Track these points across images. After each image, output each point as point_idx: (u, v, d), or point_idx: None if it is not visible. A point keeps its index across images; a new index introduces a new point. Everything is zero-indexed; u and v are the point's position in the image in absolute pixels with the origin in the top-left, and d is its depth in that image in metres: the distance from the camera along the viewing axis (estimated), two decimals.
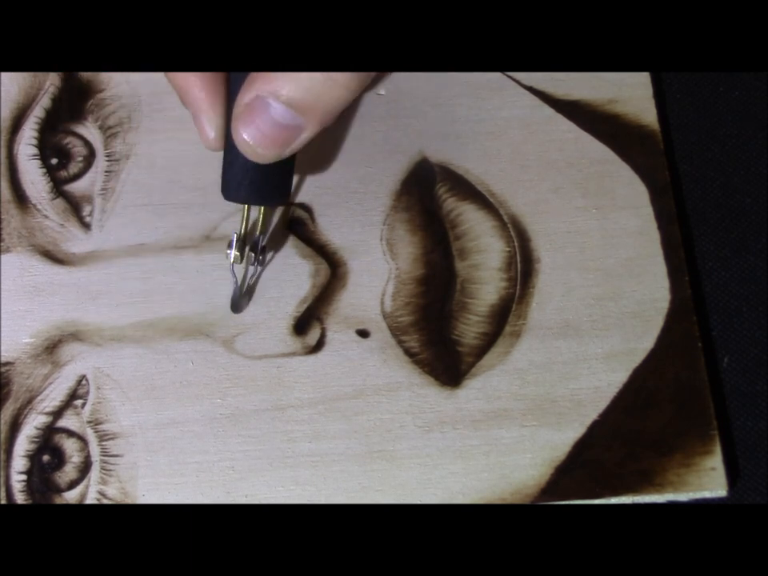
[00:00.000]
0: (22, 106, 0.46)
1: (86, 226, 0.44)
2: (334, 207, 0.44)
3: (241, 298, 0.42)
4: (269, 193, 0.41)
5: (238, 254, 0.41)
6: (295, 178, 0.44)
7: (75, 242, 0.44)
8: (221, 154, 0.45)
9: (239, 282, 0.42)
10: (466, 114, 0.46)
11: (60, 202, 0.44)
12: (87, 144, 0.45)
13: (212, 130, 0.41)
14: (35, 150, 0.45)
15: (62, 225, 0.44)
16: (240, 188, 0.40)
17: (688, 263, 0.43)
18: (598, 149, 0.45)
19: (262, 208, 0.42)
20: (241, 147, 0.39)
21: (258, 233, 0.42)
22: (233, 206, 0.44)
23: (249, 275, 0.43)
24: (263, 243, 0.43)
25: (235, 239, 0.41)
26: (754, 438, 0.41)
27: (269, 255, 0.43)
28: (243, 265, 0.42)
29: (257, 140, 0.38)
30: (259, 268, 0.43)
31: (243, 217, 0.42)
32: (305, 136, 0.39)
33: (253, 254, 0.42)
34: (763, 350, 0.43)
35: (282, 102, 0.38)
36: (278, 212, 0.44)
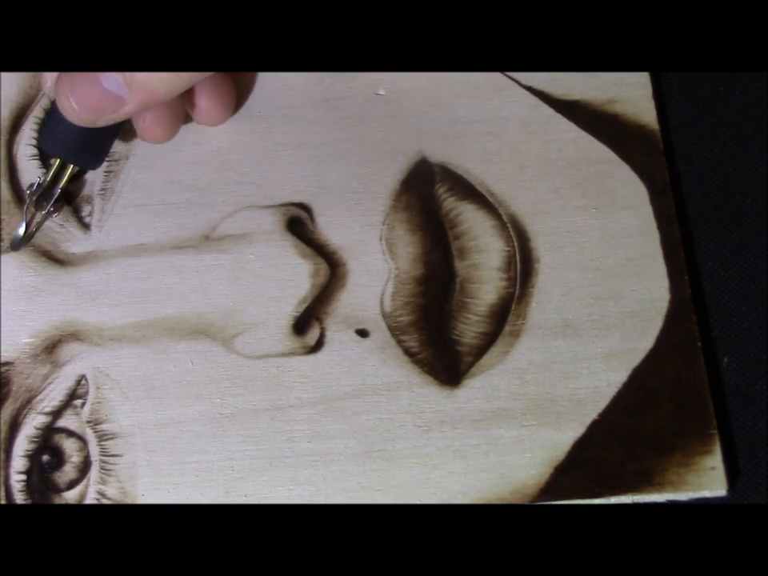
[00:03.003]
0: (21, 106, 0.46)
1: (86, 226, 0.44)
2: (333, 207, 0.44)
3: (20, 238, 0.43)
4: (83, 155, 0.42)
5: (34, 198, 0.43)
6: (295, 178, 0.44)
7: (75, 242, 0.44)
8: (220, 155, 0.45)
9: (26, 224, 0.43)
10: (466, 113, 0.46)
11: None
12: None
13: (49, 78, 0.42)
14: (35, 151, 0.45)
15: (61, 225, 0.44)
16: (58, 141, 0.42)
17: (688, 263, 0.43)
18: (597, 149, 0.45)
19: (71, 166, 0.43)
20: (59, 102, 0.40)
21: (58, 187, 0.43)
22: (233, 206, 0.44)
23: (35, 221, 0.44)
24: (57, 198, 0.43)
25: (36, 184, 0.43)
26: (753, 438, 0.41)
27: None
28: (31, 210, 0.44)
29: (78, 99, 0.39)
30: (45, 217, 0.44)
31: (52, 167, 0.43)
32: (124, 110, 0.40)
33: (45, 203, 0.43)
34: (763, 350, 0.43)
35: (118, 73, 0.38)
36: (278, 212, 0.44)
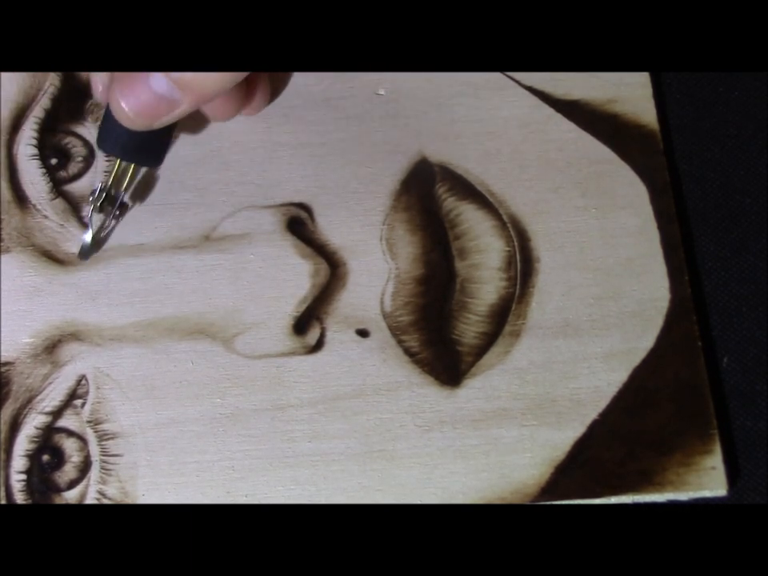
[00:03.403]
0: (21, 106, 0.46)
1: (86, 226, 0.44)
2: (333, 207, 0.44)
3: (89, 247, 0.43)
4: (143, 154, 0.42)
5: (98, 204, 0.43)
6: (295, 178, 0.44)
7: (75, 242, 0.44)
8: (220, 155, 0.45)
9: (93, 231, 0.43)
10: (466, 113, 0.46)
11: (60, 202, 0.44)
12: (87, 144, 0.45)
13: (100, 83, 0.42)
14: (35, 150, 0.45)
15: (61, 225, 0.44)
16: (117, 143, 0.41)
17: (688, 263, 0.43)
18: (597, 148, 0.45)
19: (132, 166, 0.43)
20: (114, 110, 0.39)
21: (122, 189, 0.43)
22: (233, 206, 0.44)
23: (104, 227, 0.44)
24: (123, 199, 0.44)
25: (99, 189, 0.43)
26: (753, 438, 0.41)
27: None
28: (100, 216, 0.44)
29: (131, 106, 0.39)
30: (113, 222, 0.44)
31: (113, 170, 0.43)
32: (178, 111, 0.39)
33: (110, 208, 0.43)
34: (763, 350, 0.43)
35: (164, 74, 0.38)
36: (278, 212, 0.44)
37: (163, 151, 0.43)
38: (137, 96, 0.39)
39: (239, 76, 0.39)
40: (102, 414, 0.41)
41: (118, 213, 0.43)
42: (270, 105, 0.46)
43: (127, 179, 0.43)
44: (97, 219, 0.43)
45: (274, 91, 0.46)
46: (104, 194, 0.43)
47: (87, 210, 0.43)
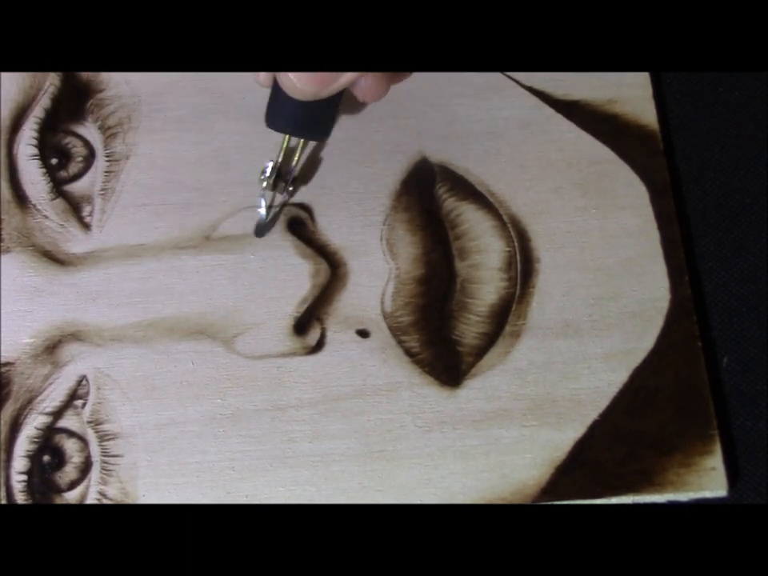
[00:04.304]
0: (21, 106, 0.46)
1: (86, 226, 0.44)
2: (333, 207, 0.44)
3: (265, 224, 0.44)
4: (310, 127, 0.42)
5: (271, 181, 0.43)
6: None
7: (75, 242, 0.44)
8: (220, 155, 0.45)
9: (267, 208, 0.44)
10: (466, 113, 0.46)
11: (60, 202, 0.44)
12: (87, 144, 0.45)
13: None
14: (35, 150, 0.45)
15: (61, 225, 0.44)
16: (284, 119, 0.41)
17: (688, 263, 0.43)
18: (597, 149, 0.45)
19: (301, 141, 0.43)
20: (283, 83, 0.39)
21: (293, 164, 0.44)
22: (233, 206, 0.44)
23: (276, 202, 0.44)
24: (295, 174, 0.44)
25: (270, 167, 0.43)
26: (753, 438, 0.41)
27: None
28: (271, 193, 0.44)
29: (299, 76, 0.39)
30: (287, 197, 0.44)
31: (282, 147, 0.43)
32: (345, 79, 0.39)
33: (283, 184, 0.44)
34: (763, 350, 0.43)
35: None
36: (278, 211, 0.44)
37: (331, 123, 0.42)
38: None
39: None
40: (103, 414, 0.41)
41: (291, 189, 0.44)
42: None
43: (297, 154, 0.44)
44: (269, 196, 0.44)
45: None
46: (276, 171, 0.43)
47: (259, 189, 0.44)
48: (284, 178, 0.44)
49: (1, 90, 0.46)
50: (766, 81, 0.47)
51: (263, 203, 0.43)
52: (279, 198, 0.44)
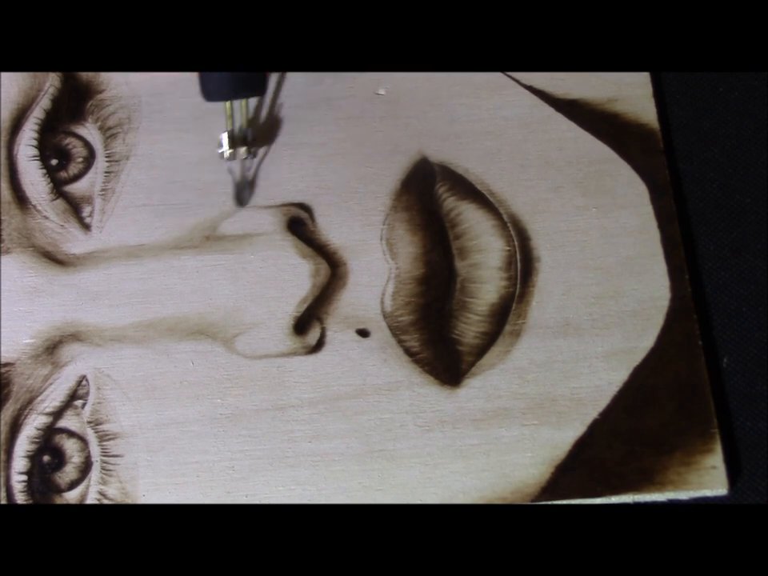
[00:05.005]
0: (21, 107, 0.46)
1: (86, 226, 0.44)
2: (334, 207, 0.44)
3: (243, 191, 0.44)
4: (247, 86, 0.42)
5: (231, 150, 0.44)
6: (295, 178, 0.44)
7: (75, 242, 0.44)
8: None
9: (238, 176, 0.44)
10: (466, 113, 0.46)
11: (60, 202, 0.44)
12: (87, 145, 0.45)
13: None
14: (35, 151, 0.45)
15: (62, 226, 0.44)
16: (220, 86, 0.42)
17: (688, 262, 0.43)
18: (597, 148, 0.45)
19: (243, 103, 0.44)
20: None
21: (245, 127, 0.44)
22: (233, 206, 0.44)
23: (245, 169, 0.44)
24: (252, 136, 0.44)
25: (225, 137, 0.44)
26: (754, 438, 0.41)
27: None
28: (237, 162, 0.44)
29: None
30: (254, 160, 0.44)
31: (227, 115, 0.43)
32: None
33: (244, 148, 0.44)
34: (763, 350, 0.43)
35: None
36: (279, 212, 0.44)
37: (264, 75, 0.43)
38: None
39: None
40: (103, 414, 0.41)
41: (254, 150, 0.44)
42: (270, 105, 0.46)
43: (244, 116, 0.44)
44: (237, 165, 0.44)
45: None
46: (231, 140, 0.44)
47: (225, 163, 0.44)
48: (243, 143, 0.44)
49: (1, 90, 0.46)
50: (766, 81, 0.47)
51: (232, 173, 0.44)
52: (247, 163, 0.44)
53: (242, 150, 0.44)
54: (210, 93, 0.42)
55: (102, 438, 0.41)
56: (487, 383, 0.41)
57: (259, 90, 0.43)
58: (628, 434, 0.40)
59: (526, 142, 0.45)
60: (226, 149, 0.44)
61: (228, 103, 0.43)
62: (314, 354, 0.42)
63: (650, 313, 0.42)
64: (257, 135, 0.45)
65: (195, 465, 0.40)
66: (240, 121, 0.44)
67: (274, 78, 0.46)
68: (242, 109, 0.44)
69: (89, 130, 0.45)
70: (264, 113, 0.46)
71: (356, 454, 0.40)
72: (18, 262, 0.43)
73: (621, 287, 0.43)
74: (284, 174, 0.45)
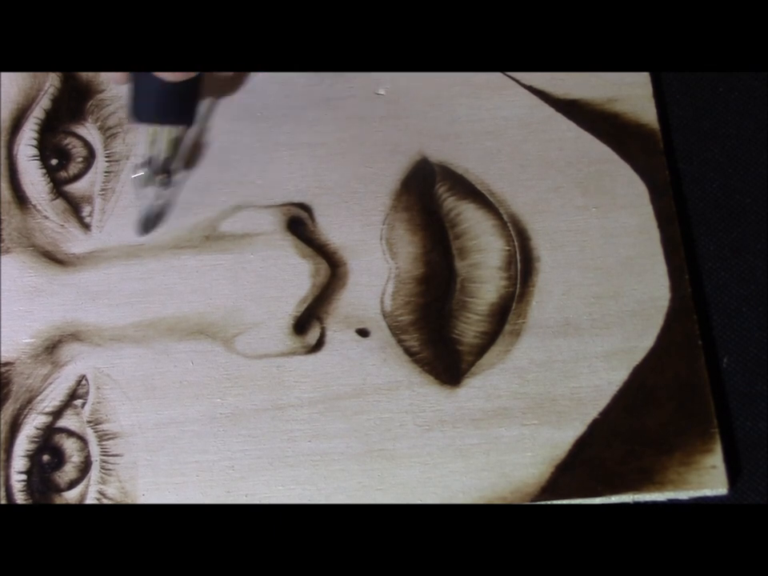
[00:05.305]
0: (21, 107, 0.46)
1: (86, 226, 0.44)
2: (334, 207, 0.44)
3: (148, 220, 0.43)
4: (175, 114, 0.42)
5: (146, 175, 0.43)
6: (295, 178, 0.44)
7: (75, 242, 0.44)
8: (220, 155, 0.45)
9: (147, 204, 0.43)
10: (466, 113, 0.46)
11: (60, 202, 0.44)
12: (87, 145, 0.45)
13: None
14: (35, 151, 0.45)
15: (61, 225, 0.44)
16: (148, 110, 0.41)
17: (688, 262, 0.43)
18: (597, 148, 0.45)
19: (168, 131, 0.43)
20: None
21: (166, 155, 0.43)
22: (233, 206, 0.44)
23: (156, 197, 0.44)
24: (171, 166, 0.44)
25: (143, 162, 0.43)
26: (754, 438, 0.41)
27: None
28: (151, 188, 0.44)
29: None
30: (167, 191, 0.44)
31: (150, 140, 0.43)
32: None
33: (160, 177, 0.43)
34: (763, 350, 0.43)
35: None
36: (278, 212, 0.44)
37: (194, 109, 0.42)
38: None
39: None
40: (102, 414, 0.41)
41: (168, 180, 0.44)
42: (271, 105, 0.46)
43: (166, 145, 0.43)
44: (150, 191, 0.44)
45: None
46: (149, 166, 0.43)
47: (138, 186, 0.43)
48: (160, 171, 0.43)
49: (1, 90, 0.46)
50: (766, 81, 0.47)
51: (144, 199, 0.43)
52: (160, 191, 0.44)
53: (158, 178, 0.43)
54: (137, 113, 0.41)
55: (102, 437, 0.41)
56: (487, 383, 0.41)
57: (186, 120, 0.43)
58: (628, 433, 0.40)
59: (525, 142, 0.45)
60: (140, 174, 0.43)
61: (152, 128, 0.42)
62: (314, 353, 0.42)
63: (650, 313, 0.42)
64: (176, 167, 0.44)
65: (195, 464, 0.40)
66: (162, 149, 0.43)
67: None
68: (166, 137, 0.43)
69: (89, 130, 0.45)
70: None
71: (356, 454, 0.40)
72: (18, 261, 0.43)
73: (621, 287, 0.43)
74: (284, 174, 0.45)
